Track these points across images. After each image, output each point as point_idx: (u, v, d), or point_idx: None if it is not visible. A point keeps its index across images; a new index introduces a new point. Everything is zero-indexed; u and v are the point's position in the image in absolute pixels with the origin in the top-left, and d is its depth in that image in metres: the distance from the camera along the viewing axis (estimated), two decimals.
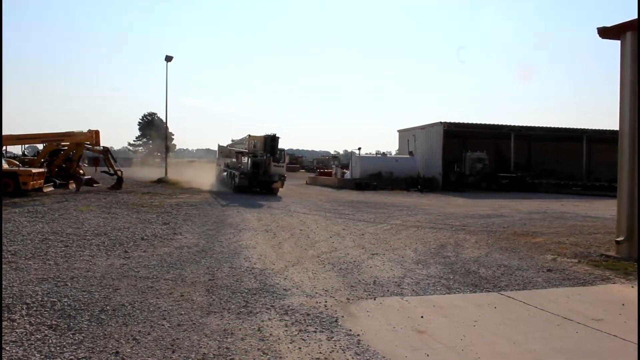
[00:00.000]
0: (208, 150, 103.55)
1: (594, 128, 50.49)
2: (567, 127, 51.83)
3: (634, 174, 12.19)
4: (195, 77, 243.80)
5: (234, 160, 38.22)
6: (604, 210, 24.42)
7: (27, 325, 6.48)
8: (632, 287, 9.68)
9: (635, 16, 11.77)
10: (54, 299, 7.67)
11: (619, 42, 12.70)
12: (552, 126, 51.73)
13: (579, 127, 50.99)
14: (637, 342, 6.15)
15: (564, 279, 10.22)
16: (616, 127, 12.98)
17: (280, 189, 32.92)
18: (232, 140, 41.91)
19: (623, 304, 8.38)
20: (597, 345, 6.56)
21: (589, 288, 9.66)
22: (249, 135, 33.42)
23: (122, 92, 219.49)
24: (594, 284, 9.97)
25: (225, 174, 38.06)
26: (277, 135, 32.30)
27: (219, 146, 43.55)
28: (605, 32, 12.83)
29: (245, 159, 34.59)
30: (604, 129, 48.89)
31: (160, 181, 38.70)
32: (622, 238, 12.34)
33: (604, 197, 34.85)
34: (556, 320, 7.52)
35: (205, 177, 38.87)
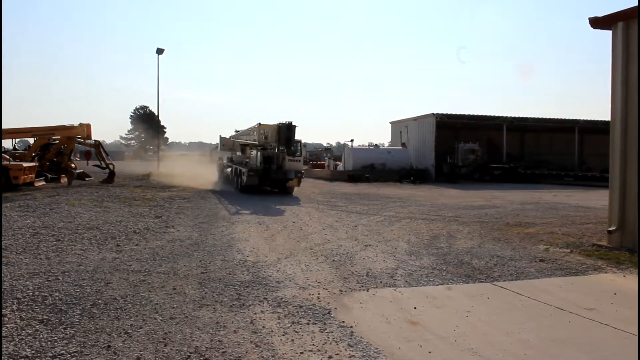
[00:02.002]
0: (201, 143, 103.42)
1: (586, 119, 50.67)
2: (560, 117, 51.99)
3: (625, 165, 12.22)
4: (186, 70, 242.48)
5: (240, 154, 33.06)
6: (596, 201, 24.50)
7: (18, 320, 6.44)
8: (624, 276, 9.73)
9: (626, 6, 11.83)
10: (45, 294, 7.62)
11: (610, 32, 12.70)
12: (545, 117, 51.89)
13: (571, 118, 51.13)
14: (637, 333, 6.15)
15: (556, 269, 10.25)
16: (608, 117, 13.00)
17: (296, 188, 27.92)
18: (237, 131, 36.57)
19: (615, 293, 8.42)
20: (590, 334, 6.58)
21: (581, 278, 9.70)
22: (259, 124, 28.05)
23: (110, 84, 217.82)
24: (586, 273, 10.01)
25: (229, 170, 32.78)
26: (293, 124, 26.75)
27: (221, 138, 37.52)
28: (597, 23, 12.82)
29: (254, 153, 29.46)
30: (596, 119, 49.10)
31: (149, 176, 38.12)
32: (613, 228, 12.39)
33: (596, 188, 35.00)
34: (549, 310, 7.55)
35: (201, 173, 35.55)
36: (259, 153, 27.83)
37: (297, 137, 27.16)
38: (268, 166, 26.92)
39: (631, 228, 12.05)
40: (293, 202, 22.78)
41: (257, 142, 28.37)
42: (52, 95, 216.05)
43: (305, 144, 31.19)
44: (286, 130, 26.46)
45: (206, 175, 34.58)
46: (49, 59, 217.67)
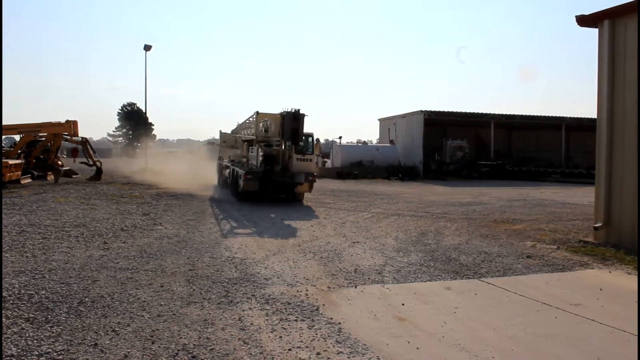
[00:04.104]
0: (189, 140, 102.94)
1: (572, 116, 51.07)
2: (547, 115, 52.34)
3: (611, 162, 12.32)
4: (174, 67, 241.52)
5: (238, 152, 27.88)
6: (582, 197, 24.69)
7: (4, 319, 6.37)
8: (610, 272, 9.82)
9: (613, 4, 11.94)
10: (32, 292, 7.56)
11: (597, 30, 12.78)
12: (532, 114, 52.18)
13: (558, 115, 51.51)
14: (636, 333, 6.19)
15: (543, 265, 10.33)
16: (594, 115, 13.10)
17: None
18: (238, 125, 29.93)
19: (601, 289, 8.49)
20: (576, 329, 6.63)
21: (568, 274, 9.77)
22: (257, 113, 22.12)
23: (100, 81, 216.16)
24: (573, 269, 10.09)
25: (228, 171, 26.24)
26: (301, 112, 20.74)
27: (221, 134, 31.22)
28: (584, 21, 12.90)
29: (254, 150, 23.18)
30: (583, 116, 49.50)
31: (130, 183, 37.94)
32: (599, 224, 12.49)
33: (582, 184, 35.27)
34: (536, 305, 7.60)
35: (194, 173, 32.62)
36: (259, 151, 22.03)
37: (308, 130, 21.95)
38: (270, 167, 21.26)
39: (617, 224, 12.17)
40: (280, 198, 22.49)
41: (255, 137, 22.63)
42: (37, 92, 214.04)
43: (318, 139, 23.97)
44: (292, 121, 20.67)
45: (200, 175, 31.95)
46: (34, 55, 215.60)
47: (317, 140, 23.04)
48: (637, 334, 6.18)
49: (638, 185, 11.06)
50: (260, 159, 21.61)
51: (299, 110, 20.66)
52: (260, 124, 22.08)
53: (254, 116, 22.54)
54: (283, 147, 21.71)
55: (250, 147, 24.51)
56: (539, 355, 5.80)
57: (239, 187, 21.97)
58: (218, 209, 18.93)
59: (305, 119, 21.06)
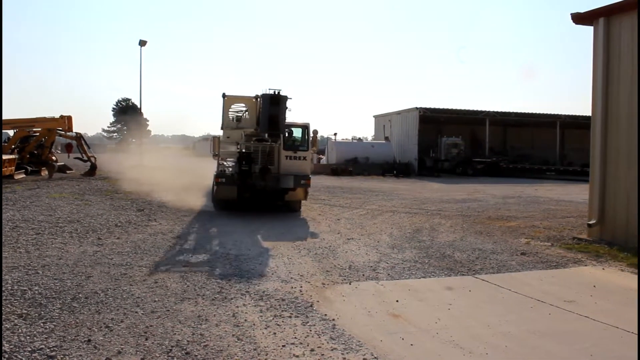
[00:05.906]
0: (184, 136, 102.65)
1: (567, 114, 51.10)
2: (542, 112, 52.34)
3: (605, 159, 12.36)
4: (169, 62, 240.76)
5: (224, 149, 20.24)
6: (577, 195, 24.76)
7: None
8: (603, 269, 9.85)
9: (608, 2, 11.96)
10: (25, 288, 7.53)
11: (592, 28, 12.80)
12: (527, 111, 52.22)
13: (553, 113, 51.53)
14: (637, 332, 6.20)
15: (537, 262, 10.35)
16: (589, 112, 13.14)
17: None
18: None
19: (594, 286, 8.51)
20: (569, 326, 6.65)
21: (562, 270, 9.80)
22: (224, 96, 17.67)
23: (95, 76, 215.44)
24: (567, 266, 10.12)
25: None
26: (281, 94, 15.62)
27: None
28: (579, 18, 12.91)
29: (237, 147, 17.22)
30: (577, 114, 49.57)
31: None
32: (593, 221, 12.53)
33: (576, 182, 35.32)
34: (529, 302, 7.62)
35: (182, 171, 29.36)
36: (241, 148, 16.59)
37: (301, 120, 17.74)
38: (248, 168, 15.81)
39: (610, 221, 12.22)
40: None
41: (252, 130, 17.41)
42: (31, 87, 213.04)
43: (316, 131, 17.37)
44: (269, 105, 15.45)
45: (192, 173, 27.60)
46: (28, 50, 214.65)
47: (315, 132, 17.44)
48: (635, 332, 6.20)
49: (638, 183, 11.09)
50: (236, 157, 16.64)
51: (279, 91, 15.52)
52: (230, 111, 17.88)
53: (223, 101, 17.80)
54: (265, 140, 16.47)
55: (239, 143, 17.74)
56: (533, 351, 5.81)
57: (213, 194, 17.47)
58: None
59: (298, 111, 16.58)
